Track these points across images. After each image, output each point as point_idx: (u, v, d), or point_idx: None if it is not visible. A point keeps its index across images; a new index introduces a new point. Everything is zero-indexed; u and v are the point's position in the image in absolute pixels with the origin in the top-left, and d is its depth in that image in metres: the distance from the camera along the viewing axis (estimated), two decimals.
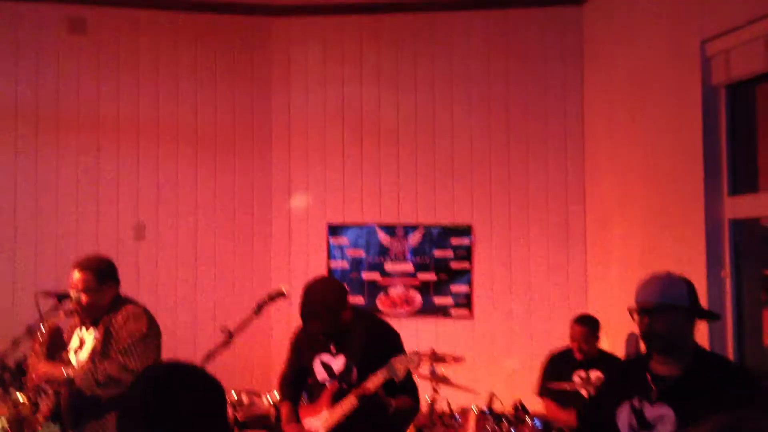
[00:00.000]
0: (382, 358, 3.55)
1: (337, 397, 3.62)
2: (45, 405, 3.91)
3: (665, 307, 2.83)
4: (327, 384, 3.71)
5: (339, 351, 3.72)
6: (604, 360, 5.27)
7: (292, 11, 6.61)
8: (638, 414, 2.86)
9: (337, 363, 3.71)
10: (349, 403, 3.54)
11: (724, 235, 4.49)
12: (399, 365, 3.51)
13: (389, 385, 3.58)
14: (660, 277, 2.93)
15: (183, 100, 6.45)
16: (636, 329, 2.96)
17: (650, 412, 2.83)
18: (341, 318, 3.65)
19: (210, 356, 3.45)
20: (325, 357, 3.74)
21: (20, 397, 3.72)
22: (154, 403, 1.72)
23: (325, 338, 3.69)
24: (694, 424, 1.64)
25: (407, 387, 3.69)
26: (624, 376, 3.06)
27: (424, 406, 4.76)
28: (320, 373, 3.75)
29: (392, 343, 3.70)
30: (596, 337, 5.32)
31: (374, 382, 3.51)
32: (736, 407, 2.45)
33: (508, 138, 6.37)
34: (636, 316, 2.90)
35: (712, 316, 3.45)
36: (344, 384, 3.63)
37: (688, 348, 2.88)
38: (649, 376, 2.89)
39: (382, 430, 3.66)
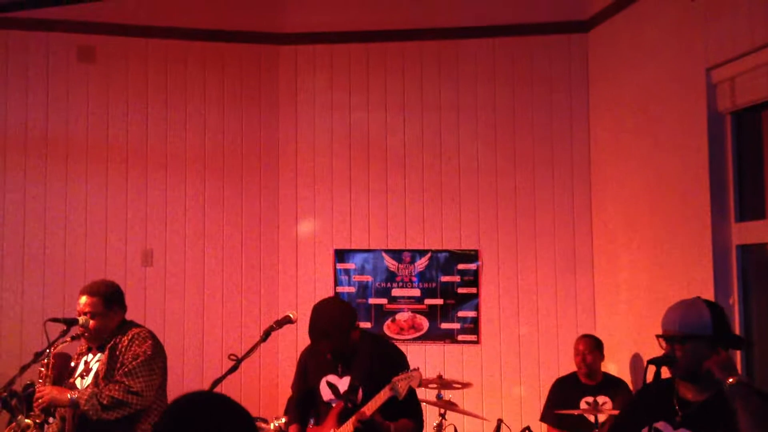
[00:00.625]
0: (387, 377, 3.56)
1: (342, 417, 3.62)
2: (51, 430, 3.92)
3: (687, 336, 2.81)
4: (333, 404, 3.72)
5: (345, 372, 3.73)
6: (610, 384, 5.28)
7: (300, 39, 6.67)
8: None
9: (343, 383, 3.72)
10: (348, 426, 3.55)
11: (732, 260, 4.49)
12: (401, 383, 3.51)
13: (392, 406, 3.58)
14: (686, 303, 2.91)
15: (191, 128, 6.49)
16: (653, 353, 2.95)
17: None
18: (350, 337, 3.66)
19: (217, 383, 3.46)
20: (332, 378, 3.76)
21: (27, 422, 3.72)
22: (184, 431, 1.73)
23: (333, 358, 3.70)
24: None
25: (410, 408, 3.69)
26: (651, 399, 3.05)
27: (430, 430, 4.76)
28: (326, 394, 3.76)
29: (397, 363, 3.70)
30: (601, 356, 5.34)
31: (376, 402, 3.51)
32: None
33: (514, 164, 6.39)
34: (662, 342, 2.90)
35: (738, 345, 3.19)
36: (350, 404, 3.64)
37: (713, 375, 2.78)
38: (675, 401, 2.88)
39: None
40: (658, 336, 2.91)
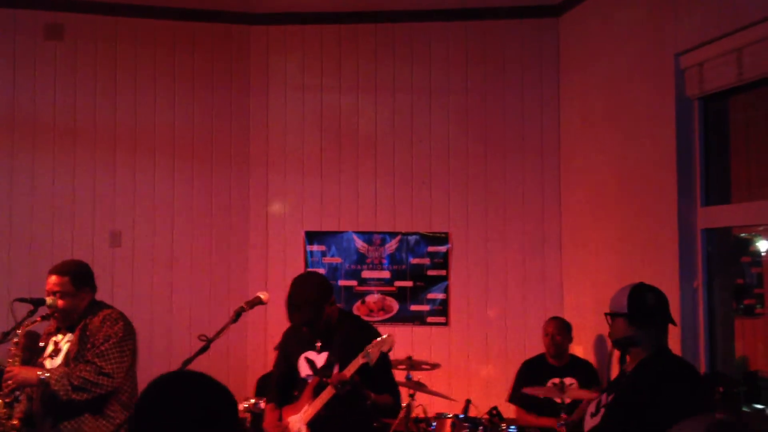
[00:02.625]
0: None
1: (317, 391, 3.66)
2: (18, 410, 3.89)
3: (611, 314, 3.32)
4: (309, 380, 3.75)
5: (324, 348, 3.77)
6: (577, 366, 5.36)
7: (271, 20, 6.62)
8: None
9: (321, 359, 3.76)
10: (327, 392, 3.58)
11: (697, 244, 4.56)
12: (372, 349, 3.58)
13: (370, 383, 3.63)
14: (624, 286, 3.33)
15: (160, 108, 6.43)
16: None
17: None
18: (324, 311, 3.69)
19: (187, 363, 3.44)
20: (310, 354, 3.80)
21: None
22: (166, 411, 1.73)
23: (309, 332, 3.73)
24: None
25: (387, 385, 3.73)
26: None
27: (400, 412, 4.80)
28: (304, 370, 3.79)
29: (373, 339, 3.74)
30: (569, 338, 5.42)
31: (350, 369, 3.55)
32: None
33: (485, 146, 6.42)
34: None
35: (648, 322, 3.29)
36: (325, 378, 3.67)
37: (640, 350, 3.23)
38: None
39: (360, 421, 3.70)
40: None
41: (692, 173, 4.60)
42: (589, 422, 3.28)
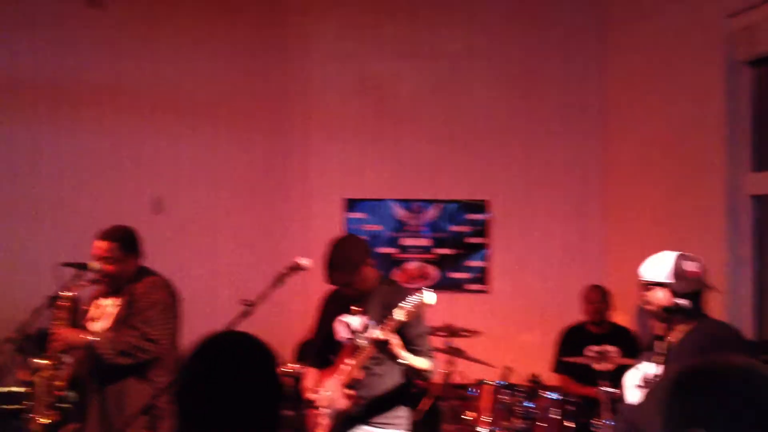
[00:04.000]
0: None
1: (354, 354, 3.67)
2: (64, 373, 3.95)
3: (651, 283, 3.22)
4: (345, 342, 3.76)
5: (360, 312, 3.77)
6: (617, 333, 5.30)
7: None
8: None
9: (357, 322, 3.76)
10: (363, 354, 3.58)
11: (746, 210, 4.46)
12: (411, 304, 3.53)
13: (405, 347, 3.61)
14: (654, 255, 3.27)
15: (202, 75, 6.43)
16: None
17: None
18: (361, 272, 3.68)
19: (230, 327, 3.47)
20: (347, 317, 3.80)
21: (42, 362, 3.75)
22: (211, 371, 1.75)
23: (347, 293, 3.73)
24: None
25: (422, 349, 3.73)
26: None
27: (438, 377, 4.80)
28: (340, 333, 3.80)
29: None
30: (609, 306, 5.36)
31: (385, 328, 3.54)
32: None
33: (527, 113, 6.33)
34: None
35: (687, 290, 3.25)
36: (360, 339, 3.67)
37: (682, 318, 3.16)
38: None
39: (397, 383, 3.71)
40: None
41: (741, 138, 4.49)
42: (634, 394, 3.22)
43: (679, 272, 3.13)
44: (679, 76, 5.01)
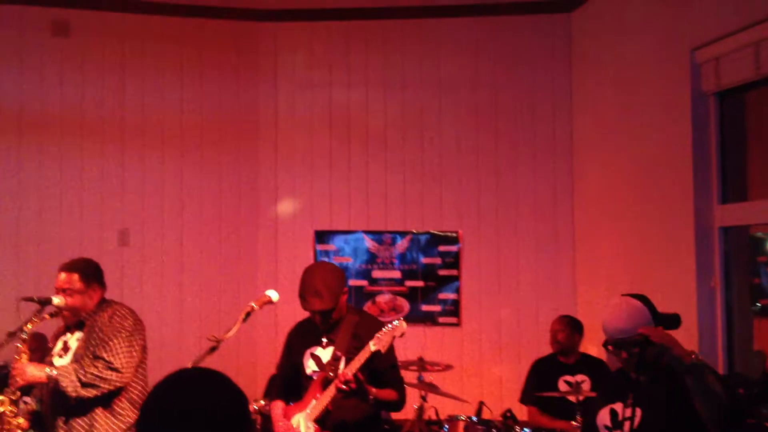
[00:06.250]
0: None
1: (325, 386, 3.60)
2: (27, 411, 3.83)
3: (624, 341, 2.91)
4: (314, 377, 3.69)
5: (329, 343, 3.71)
6: (588, 363, 5.27)
7: (280, 16, 6.57)
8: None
9: (327, 355, 3.69)
10: (332, 388, 3.52)
11: (715, 243, 4.48)
12: (384, 336, 3.50)
13: (375, 380, 3.56)
14: (620, 308, 2.96)
15: (169, 105, 6.38)
16: None
17: None
18: (339, 299, 3.63)
19: (197, 363, 3.39)
20: (316, 350, 3.73)
21: (1, 398, 3.64)
22: (175, 410, 1.68)
23: (321, 322, 3.66)
24: None
25: (393, 381, 3.67)
26: (612, 381, 3.12)
27: (411, 413, 4.73)
28: (309, 366, 3.73)
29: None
30: (576, 335, 5.31)
31: (359, 360, 3.49)
32: None
33: (496, 144, 6.35)
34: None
35: (674, 323, 3.08)
36: (331, 373, 3.61)
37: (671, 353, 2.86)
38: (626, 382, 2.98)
39: (367, 417, 3.64)
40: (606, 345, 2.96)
41: (709, 170, 4.52)
42: None
43: (655, 312, 2.94)
44: (647, 109, 5.05)
